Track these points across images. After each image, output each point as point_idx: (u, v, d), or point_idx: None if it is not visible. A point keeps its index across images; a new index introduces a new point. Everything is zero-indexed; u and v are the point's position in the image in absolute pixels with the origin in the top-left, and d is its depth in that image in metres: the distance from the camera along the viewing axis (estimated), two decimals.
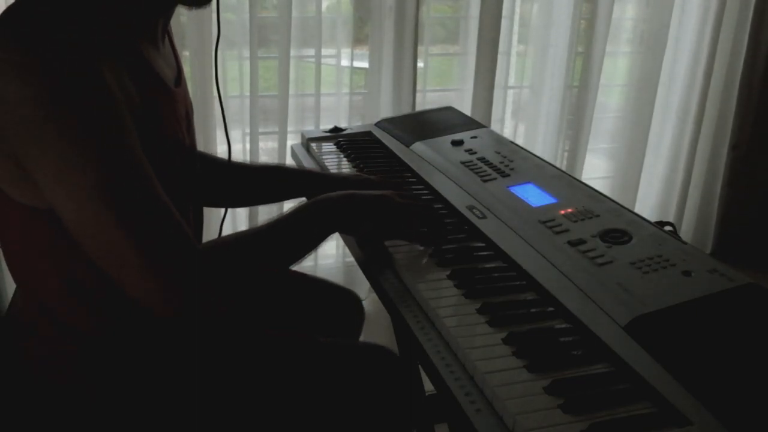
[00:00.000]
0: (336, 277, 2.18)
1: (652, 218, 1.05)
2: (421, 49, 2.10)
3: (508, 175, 1.18)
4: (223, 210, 1.30)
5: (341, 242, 2.14)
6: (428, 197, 1.19)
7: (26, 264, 0.86)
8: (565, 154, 2.42)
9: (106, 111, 0.73)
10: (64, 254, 0.81)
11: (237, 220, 2.13)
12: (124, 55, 0.80)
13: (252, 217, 2.09)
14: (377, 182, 1.17)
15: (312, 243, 0.93)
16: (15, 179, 0.77)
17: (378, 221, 0.97)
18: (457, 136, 1.39)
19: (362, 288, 2.10)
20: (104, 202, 0.73)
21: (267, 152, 2.12)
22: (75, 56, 0.72)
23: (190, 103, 1.03)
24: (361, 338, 1.30)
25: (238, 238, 0.89)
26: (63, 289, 0.85)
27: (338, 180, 1.21)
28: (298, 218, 0.92)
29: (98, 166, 0.72)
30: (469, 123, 1.53)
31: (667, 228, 0.99)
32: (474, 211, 1.09)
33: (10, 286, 0.95)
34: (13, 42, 0.71)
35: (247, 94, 1.99)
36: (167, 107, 0.89)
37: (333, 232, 0.96)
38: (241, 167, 1.25)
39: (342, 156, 1.41)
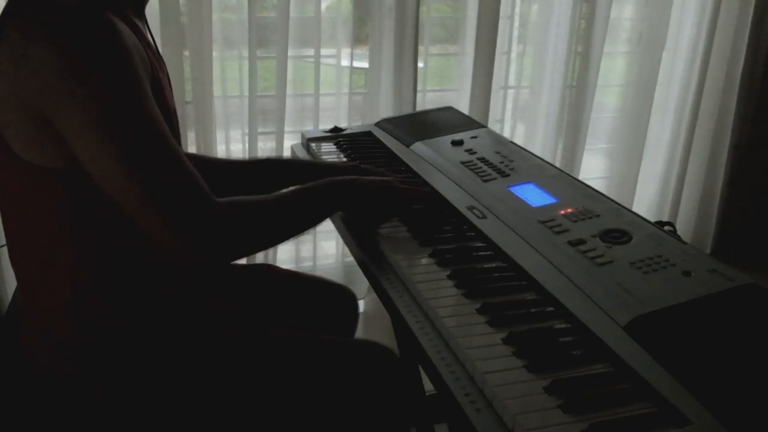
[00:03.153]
0: (335, 277, 2.18)
1: (650, 218, 1.05)
2: (420, 49, 2.09)
3: (508, 175, 1.18)
4: None
5: (341, 242, 2.14)
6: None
7: (35, 237, 0.86)
8: (564, 154, 2.42)
9: (123, 64, 0.78)
10: (74, 222, 0.84)
11: None
12: (124, 22, 0.84)
13: None
14: (368, 171, 1.19)
15: (317, 219, 0.99)
16: (36, 139, 0.80)
17: (383, 204, 1.05)
18: (457, 136, 1.39)
19: (361, 288, 2.10)
20: (122, 150, 0.77)
21: (266, 152, 2.12)
22: (89, 14, 0.76)
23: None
24: (359, 336, 1.30)
25: (253, 199, 0.92)
26: (69, 263, 0.86)
27: (331, 168, 1.24)
28: (308, 193, 0.97)
29: (113, 111, 0.76)
30: (469, 123, 1.53)
31: (667, 228, 0.99)
32: (474, 211, 1.09)
33: (11, 285, 0.95)
34: (31, 7, 0.77)
35: (247, 94, 1.99)
36: (163, 78, 0.93)
37: (338, 210, 1.06)
38: (234, 163, 1.28)
39: (342, 156, 1.41)
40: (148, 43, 0.92)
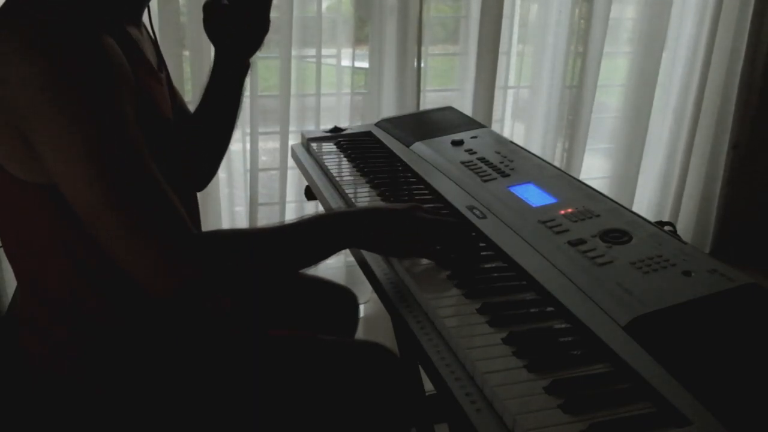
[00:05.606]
0: (337, 278, 2.17)
1: (650, 218, 1.05)
2: (420, 49, 2.09)
3: (508, 175, 1.18)
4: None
5: None
6: (428, 197, 1.19)
7: (29, 248, 0.86)
8: (564, 154, 2.42)
9: (104, 88, 0.75)
10: (68, 233, 0.82)
11: (236, 221, 2.14)
12: (115, 34, 0.82)
13: (252, 219, 2.09)
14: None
15: (322, 254, 0.90)
16: (20, 156, 0.78)
17: (403, 237, 0.92)
18: (457, 136, 1.39)
19: (363, 289, 2.10)
20: (96, 176, 0.74)
21: (267, 152, 2.12)
22: (75, 34, 0.74)
23: (178, 94, 1.02)
24: (360, 337, 1.30)
25: (242, 231, 0.89)
26: (66, 271, 0.85)
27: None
28: (312, 226, 0.89)
29: (92, 141, 0.74)
30: (469, 123, 1.53)
31: (667, 228, 0.99)
32: (474, 211, 1.09)
33: (10, 286, 0.95)
34: (15, 23, 0.75)
35: (247, 93, 1.98)
36: (157, 89, 0.91)
37: (348, 246, 0.94)
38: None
39: (342, 156, 1.41)
40: (142, 56, 0.90)
